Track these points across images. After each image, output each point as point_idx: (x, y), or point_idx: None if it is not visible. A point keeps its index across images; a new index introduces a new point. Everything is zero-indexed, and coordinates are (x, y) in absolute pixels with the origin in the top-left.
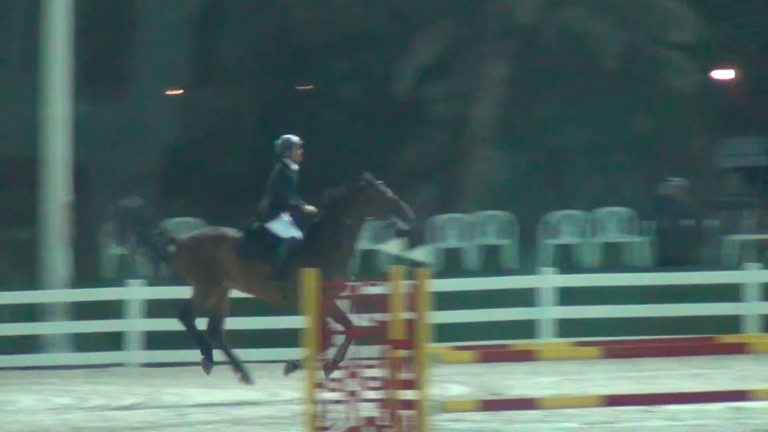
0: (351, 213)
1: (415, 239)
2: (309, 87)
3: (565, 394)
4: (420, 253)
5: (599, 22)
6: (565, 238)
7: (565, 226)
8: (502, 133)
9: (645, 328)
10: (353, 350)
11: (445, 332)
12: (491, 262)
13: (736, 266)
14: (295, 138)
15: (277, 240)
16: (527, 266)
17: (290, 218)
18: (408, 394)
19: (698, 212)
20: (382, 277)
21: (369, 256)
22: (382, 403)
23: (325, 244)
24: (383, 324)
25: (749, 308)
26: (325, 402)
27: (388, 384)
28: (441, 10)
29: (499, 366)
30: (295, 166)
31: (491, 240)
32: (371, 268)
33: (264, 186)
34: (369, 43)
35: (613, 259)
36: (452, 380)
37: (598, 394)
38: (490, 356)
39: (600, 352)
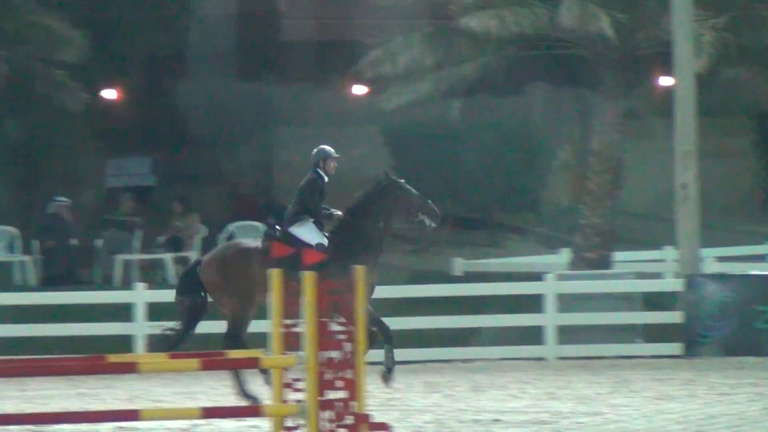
0: (382, 214)
1: None
2: None
3: None
4: None
5: None
6: None
7: None
8: None
9: (33, 347)
10: None
11: None
12: None
13: (124, 286)
14: (330, 149)
15: (305, 246)
16: None
17: (315, 223)
18: None
19: (85, 231)
20: None
21: None
22: None
23: (355, 246)
24: None
25: (137, 328)
26: None
27: None
28: None
29: None
30: (326, 178)
31: None
32: None
33: None
34: None
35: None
36: None
37: None
38: None
39: None
